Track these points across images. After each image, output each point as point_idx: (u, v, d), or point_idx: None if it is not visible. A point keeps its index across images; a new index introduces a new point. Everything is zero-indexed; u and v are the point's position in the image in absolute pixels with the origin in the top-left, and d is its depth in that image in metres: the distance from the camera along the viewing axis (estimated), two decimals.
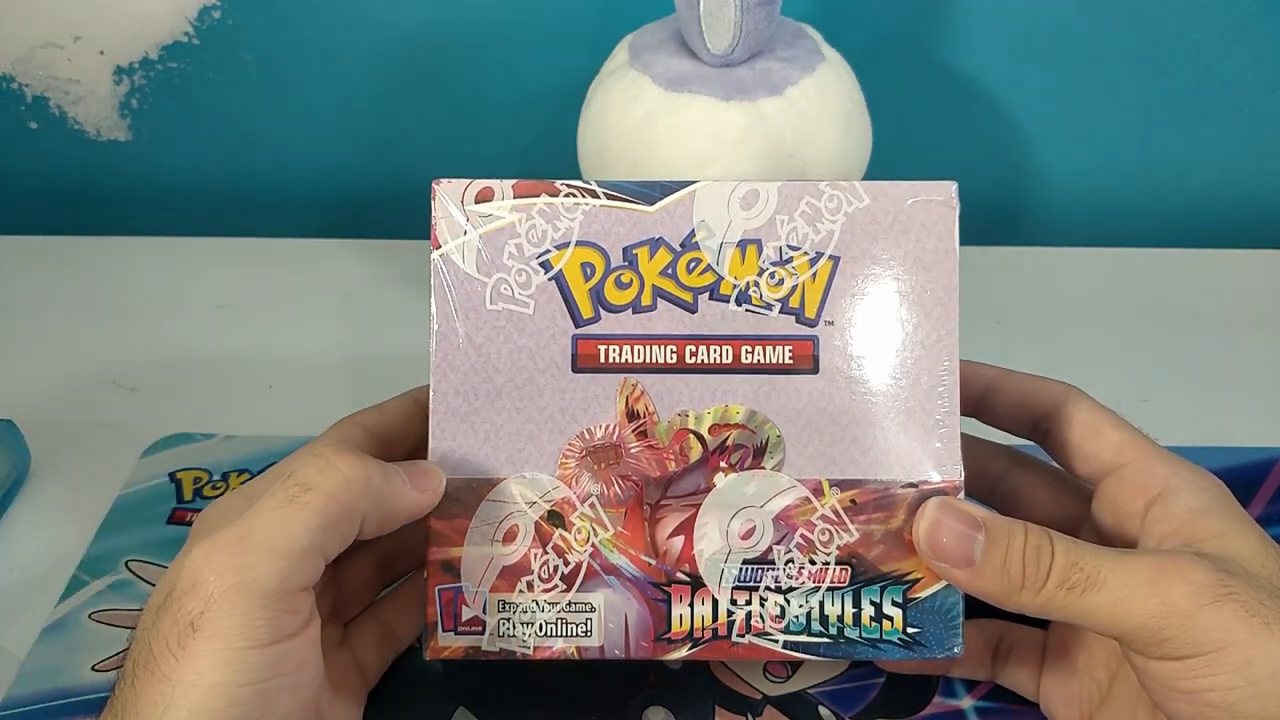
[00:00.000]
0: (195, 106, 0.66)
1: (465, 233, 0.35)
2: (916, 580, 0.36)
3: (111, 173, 0.68)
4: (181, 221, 0.67)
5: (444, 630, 0.35)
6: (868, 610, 0.36)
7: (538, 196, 0.36)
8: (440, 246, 0.36)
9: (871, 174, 0.53)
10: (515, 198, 0.36)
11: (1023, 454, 0.41)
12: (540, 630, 0.35)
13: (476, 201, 0.36)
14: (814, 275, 0.36)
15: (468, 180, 0.36)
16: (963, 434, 0.37)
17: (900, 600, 0.36)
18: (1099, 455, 0.37)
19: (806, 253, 0.36)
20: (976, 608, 0.36)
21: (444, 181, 0.36)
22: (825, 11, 0.60)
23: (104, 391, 0.55)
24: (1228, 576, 0.31)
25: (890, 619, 0.36)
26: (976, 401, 0.40)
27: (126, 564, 0.46)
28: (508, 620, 0.35)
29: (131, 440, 0.52)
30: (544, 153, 0.66)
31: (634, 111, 0.49)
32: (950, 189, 0.36)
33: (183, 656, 0.30)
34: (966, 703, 0.41)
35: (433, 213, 0.36)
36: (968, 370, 0.38)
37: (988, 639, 0.40)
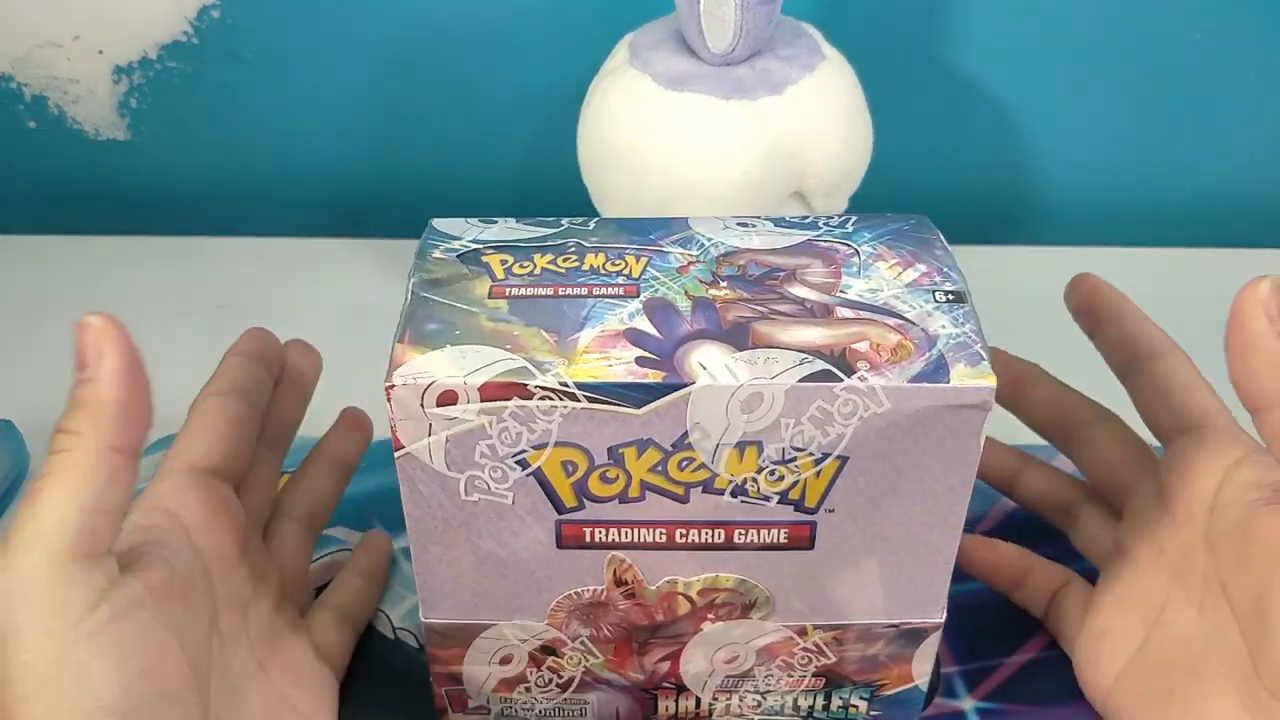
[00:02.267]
0: (195, 106, 0.66)
1: (430, 433, 0.32)
2: (884, 684, 0.38)
3: (111, 173, 0.68)
4: (181, 221, 0.67)
5: (454, 711, 0.39)
6: (836, 702, 0.39)
7: (508, 400, 0.31)
8: (404, 447, 0.32)
9: (872, 174, 0.53)
10: (482, 400, 0.31)
11: (1108, 411, 0.42)
12: (540, 714, 0.39)
13: (438, 405, 0.31)
14: (818, 473, 0.32)
15: (427, 382, 0.31)
16: (1056, 379, 0.41)
17: (867, 697, 0.39)
18: (1186, 411, 0.38)
19: (812, 454, 0.32)
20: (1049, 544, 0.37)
21: (398, 385, 0.31)
22: (825, 11, 0.60)
23: None
24: None
25: (856, 707, 0.39)
26: (1093, 322, 0.41)
27: None
28: (510, 706, 0.39)
29: None
30: (544, 152, 0.66)
31: (634, 111, 0.49)
32: (986, 393, 0.31)
33: None
34: (967, 703, 0.41)
35: (390, 414, 0.32)
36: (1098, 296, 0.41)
37: (1051, 582, 0.42)
